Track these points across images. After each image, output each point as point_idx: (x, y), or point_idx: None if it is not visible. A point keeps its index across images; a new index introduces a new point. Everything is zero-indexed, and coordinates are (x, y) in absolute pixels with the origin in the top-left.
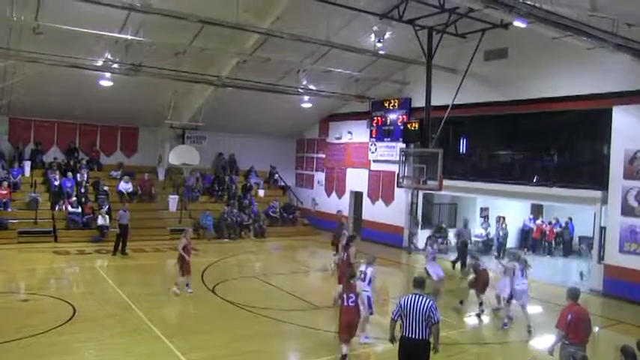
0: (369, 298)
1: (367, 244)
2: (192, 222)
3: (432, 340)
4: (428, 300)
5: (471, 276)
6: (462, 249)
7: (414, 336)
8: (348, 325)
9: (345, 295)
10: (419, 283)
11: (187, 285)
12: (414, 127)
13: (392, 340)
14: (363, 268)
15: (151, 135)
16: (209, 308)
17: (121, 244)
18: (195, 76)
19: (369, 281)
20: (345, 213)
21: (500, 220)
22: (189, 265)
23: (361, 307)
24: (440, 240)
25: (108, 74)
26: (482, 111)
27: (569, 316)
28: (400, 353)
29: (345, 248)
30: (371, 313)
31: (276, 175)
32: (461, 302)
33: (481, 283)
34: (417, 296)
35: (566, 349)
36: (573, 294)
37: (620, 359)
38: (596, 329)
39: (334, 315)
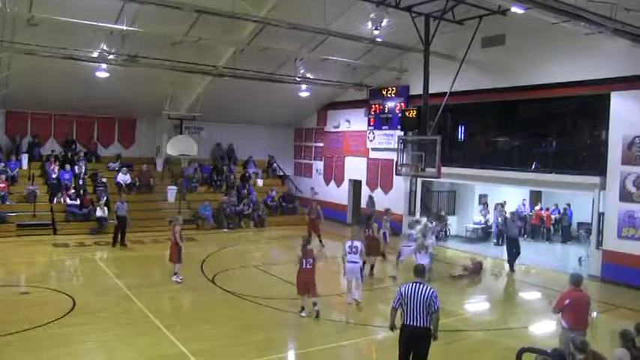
0: (361, 269)
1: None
2: (191, 212)
3: (432, 327)
4: (429, 288)
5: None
6: (510, 246)
7: (414, 324)
8: (305, 284)
9: (304, 260)
10: (420, 271)
11: (175, 274)
12: (412, 115)
13: (392, 327)
14: (352, 243)
15: (148, 126)
16: (209, 298)
17: (120, 235)
18: (192, 66)
19: (360, 253)
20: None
21: (499, 207)
22: (180, 253)
23: (350, 274)
24: (438, 228)
25: (104, 65)
26: (481, 98)
27: (568, 301)
28: (401, 341)
29: (367, 225)
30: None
31: (275, 164)
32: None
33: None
34: (418, 284)
35: (567, 334)
36: (575, 280)
37: (619, 343)
38: (594, 314)
39: (335, 304)
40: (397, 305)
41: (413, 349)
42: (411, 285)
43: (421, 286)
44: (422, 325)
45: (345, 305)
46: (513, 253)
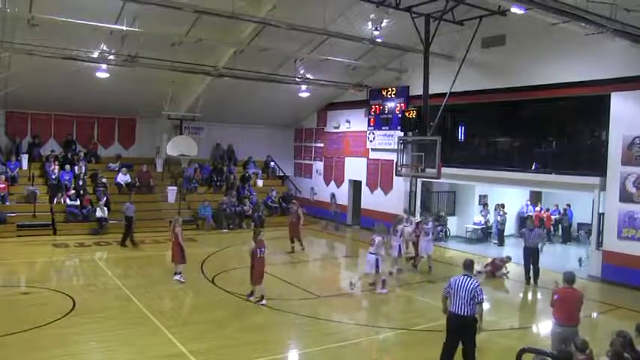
0: (377, 260)
1: (366, 233)
2: (190, 213)
3: (477, 317)
4: (474, 281)
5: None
6: (530, 257)
7: (460, 312)
8: (260, 273)
9: (258, 250)
10: (468, 265)
11: (177, 273)
12: (412, 115)
13: (445, 311)
14: (372, 237)
15: (148, 126)
16: (209, 299)
17: (125, 235)
18: (191, 66)
19: (377, 246)
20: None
21: (499, 207)
22: (184, 253)
23: (367, 267)
24: (439, 228)
25: (104, 66)
26: (481, 98)
27: (556, 296)
28: (448, 327)
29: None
30: (377, 272)
31: (272, 163)
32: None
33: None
34: (465, 277)
35: (555, 329)
36: (567, 278)
37: (619, 343)
38: (594, 315)
39: (335, 304)
40: (447, 294)
41: (460, 337)
42: (459, 277)
43: (468, 278)
44: (466, 313)
45: (345, 306)
46: (529, 264)
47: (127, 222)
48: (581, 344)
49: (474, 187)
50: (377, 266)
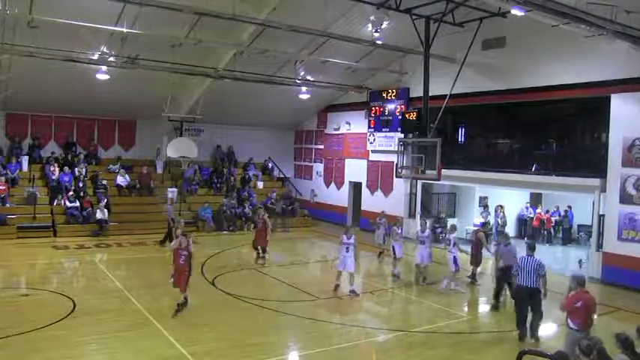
0: (455, 258)
1: (366, 234)
2: (191, 215)
3: (541, 288)
4: (537, 260)
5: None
6: (502, 278)
7: (527, 285)
8: (186, 278)
9: (180, 251)
10: (531, 247)
11: None
12: (413, 117)
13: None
14: (447, 235)
15: (149, 128)
16: (209, 300)
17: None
18: (192, 68)
19: (454, 244)
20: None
21: (499, 209)
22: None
23: (451, 264)
24: (439, 230)
25: (104, 67)
26: (481, 100)
27: (580, 303)
28: (517, 297)
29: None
30: (457, 270)
31: (270, 165)
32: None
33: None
34: (530, 257)
35: (574, 335)
36: (583, 281)
37: (618, 348)
38: (594, 317)
39: (335, 306)
40: (515, 271)
41: (529, 304)
42: (525, 257)
43: (531, 258)
44: (532, 285)
45: (345, 307)
46: (503, 287)
47: (168, 223)
48: (585, 347)
49: (474, 188)
50: (457, 264)
